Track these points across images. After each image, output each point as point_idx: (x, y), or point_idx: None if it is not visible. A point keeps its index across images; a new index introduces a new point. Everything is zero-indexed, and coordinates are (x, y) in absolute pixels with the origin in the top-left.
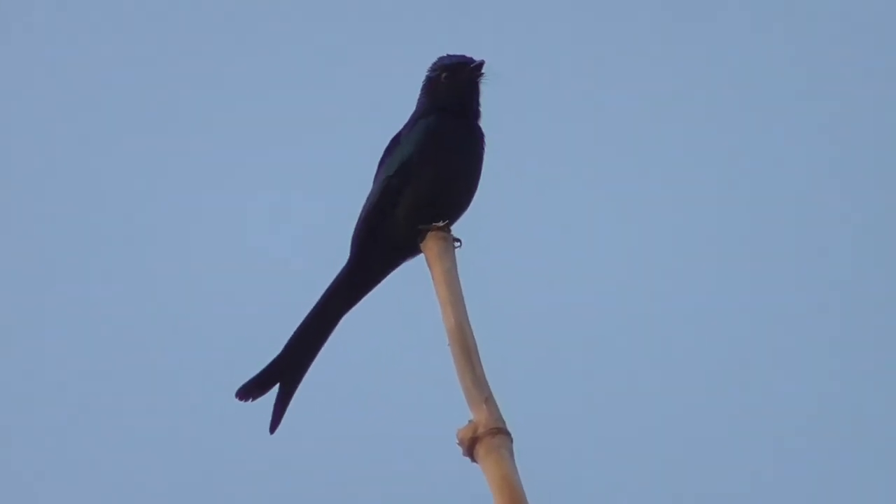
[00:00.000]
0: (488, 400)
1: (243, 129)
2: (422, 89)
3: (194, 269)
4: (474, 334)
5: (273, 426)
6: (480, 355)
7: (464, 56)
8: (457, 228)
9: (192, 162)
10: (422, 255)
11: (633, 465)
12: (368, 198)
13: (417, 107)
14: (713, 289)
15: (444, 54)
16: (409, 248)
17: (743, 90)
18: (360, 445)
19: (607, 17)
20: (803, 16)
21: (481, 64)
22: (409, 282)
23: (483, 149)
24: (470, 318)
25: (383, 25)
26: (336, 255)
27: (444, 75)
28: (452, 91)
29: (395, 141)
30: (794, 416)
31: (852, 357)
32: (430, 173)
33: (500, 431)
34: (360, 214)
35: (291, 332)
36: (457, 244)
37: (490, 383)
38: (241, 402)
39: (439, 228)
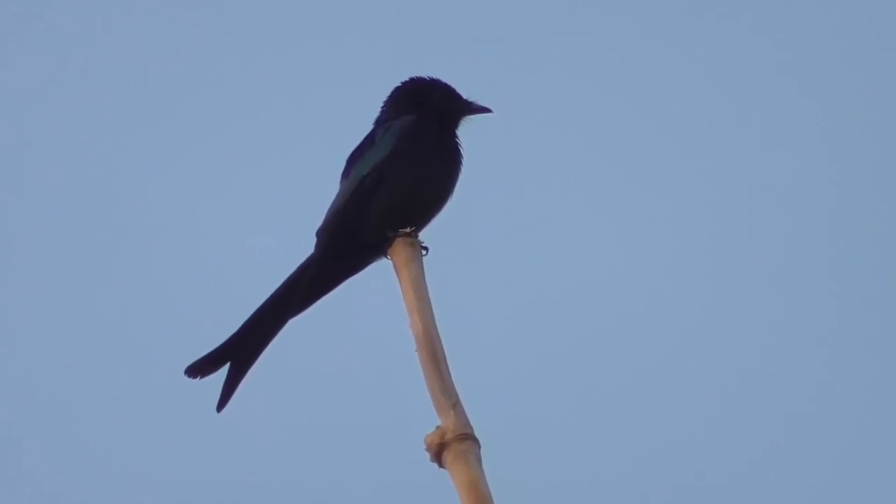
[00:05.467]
0: (456, 406)
1: (239, 128)
2: (401, 91)
3: (192, 268)
4: (442, 340)
5: (220, 406)
6: (448, 361)
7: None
8: (424, 235)
9: (191, 162)
10: (389, 261)
11: (601, 470)
12: (338, 195)
13: (392, 108)
14: (693, 296)
15: (437, 78)
16: (375, 250)
17: (736, 91)
18: (327, 451)
19: (600, 19)
20: (797, 21)
21: (480, 111)
22: (377, 288)
23: (461, 156)
24: (437, 325)
25: (382, 30)
26: None
27: (437, 95)
28: (438, 109)
29: (369, 140)
30: (778, 424)
31: (841, 356)
32: (404, 175)
33: (467, 437)
34: (330, 211)
35: (248, 315)
36: (424, 251)
37: (458, 389)
38: (192, 380)
39: (406, 234)
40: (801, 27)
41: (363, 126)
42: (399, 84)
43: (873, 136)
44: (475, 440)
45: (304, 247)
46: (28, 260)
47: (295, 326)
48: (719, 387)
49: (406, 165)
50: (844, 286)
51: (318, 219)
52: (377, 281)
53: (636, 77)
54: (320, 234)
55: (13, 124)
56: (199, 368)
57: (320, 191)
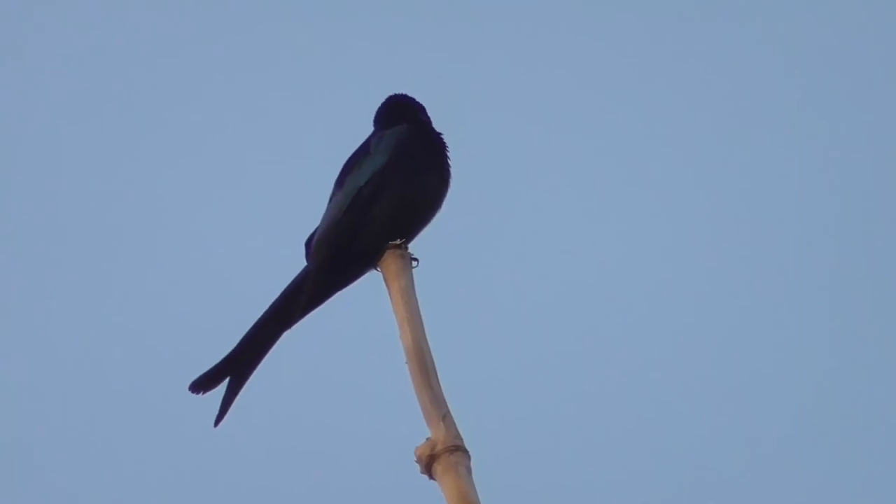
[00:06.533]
0: (446, 417)
1: (239, 130)
2: (391, 102)
3: (191, 269)
4: (432, 352)
5: (218, 420)
6: (438, 373)
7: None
8: (413, 247)
9: (190, 165)
10: (379, 273)
11: (592, 482)
12: (334, 206)
13: (382, 118)
14: (691, 299)
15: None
16: (367, 261)
17: (737, 92)
18: (317, 463)
19: (599, 19)
20: (797, 20)
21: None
22: (367, 300)
23: (449, 166)
24: (427, 336)
25: (382, 32)
26: None
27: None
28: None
29: (364, 150)
30: (778, 424)
31: (841, 356)
32: (402, 184)
33: (457, 449)
34: (324, 223)
35: (245, 330)
36: (414, 263)
37: (448, 401)
38: (195, 395)
39: (396, 246)
40: (801, 27)
41: (361, 130)
42: (386, 98)
43: (874, 135)
44: (465, 452)
45: (300, 248)
46: (27, 261)
47: (284, 338)
48: (719, 390)
49: (403, 174)
50: (845, 286)
51: (310, 223)
52: (367, 292)
53: (635, 77)
54: (316, 245)
55: (14, 124)
56: (202, 384)
57: (317, 194)
